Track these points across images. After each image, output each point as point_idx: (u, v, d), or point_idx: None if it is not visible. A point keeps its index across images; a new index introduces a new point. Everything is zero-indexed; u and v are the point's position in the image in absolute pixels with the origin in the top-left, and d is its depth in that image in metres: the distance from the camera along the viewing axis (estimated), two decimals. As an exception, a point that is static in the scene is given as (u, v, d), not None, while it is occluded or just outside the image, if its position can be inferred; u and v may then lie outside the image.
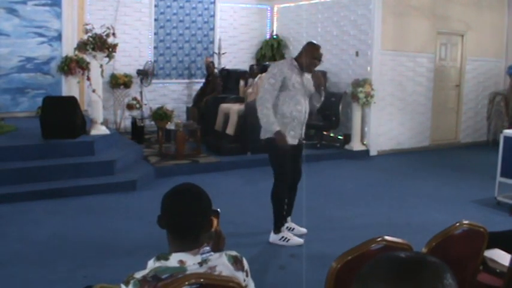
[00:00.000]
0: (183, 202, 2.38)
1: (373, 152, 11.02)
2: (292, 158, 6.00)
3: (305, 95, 5.88)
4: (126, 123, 11.89)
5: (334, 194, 8.17)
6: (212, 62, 12.17)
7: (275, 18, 13.81)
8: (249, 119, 9.93)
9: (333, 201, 7.76)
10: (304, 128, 6.08)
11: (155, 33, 12.64)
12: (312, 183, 8.28)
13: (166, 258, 2.27)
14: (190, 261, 2.27)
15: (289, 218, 6.34)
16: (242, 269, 2.42)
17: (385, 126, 11.16)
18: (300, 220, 6.59)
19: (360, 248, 2.54)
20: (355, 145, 10.88)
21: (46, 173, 7.88)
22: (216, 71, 12.19)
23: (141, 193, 7.93)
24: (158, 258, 2.29)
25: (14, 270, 5.23)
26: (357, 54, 11.19)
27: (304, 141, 6.24)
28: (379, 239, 2.58)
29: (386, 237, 2.60)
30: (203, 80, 12.56)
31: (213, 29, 13.17)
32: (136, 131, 10.96)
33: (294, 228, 6.26)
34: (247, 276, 2.45)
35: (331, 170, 9.66)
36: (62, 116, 8.53)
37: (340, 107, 11.02)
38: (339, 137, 11.37)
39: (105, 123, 9.72)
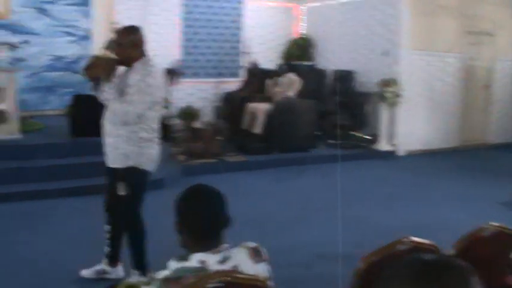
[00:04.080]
0: (199, 203, 2.40)
1: (400, 152, 10.96)
2: (107, 181, 4.87)
3: (107, 102, 4.64)
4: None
5: (361, 194, 8.13)
6: (254, 63, 12.16)
7: (303, 17, 13.77)
8: (277, 118, 9.94)
9: (359, 201, 7.73)
10: (110, 144, 4.67)
11: (183, 33, 12.68)
12: (338, 182, 8.25)
13: (187, 259, 2.28)
14: (211, 260, 2.28)
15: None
16: (263, 258, 2.43)
17: (413, 126, 11.08)
18: (325, 220, 6.58)
19: (386, 248, 2.53)
20: (383, 145, 10.83)
21: (74, 170, 7.94)
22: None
23: (168, 191, 7.92)
24: (178, 259, 2.30)
25: (41, 266, 5.32)
26: (384, 53, 11.12)
27: (117, 167, 4.64)
28: (405, 240, 2.57)
29: (413, 238, 2.58)
30: (232, 79, 12.66)
31: (241, 28, 13.16)
32: (164, 130, 10.98)
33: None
34: (267, 264, 2.45)
35: (357, 170, 9.61)
36: (90, 114, 8.54)
37: (368, 106, 10.98)
38: (367, 137, 11.31)
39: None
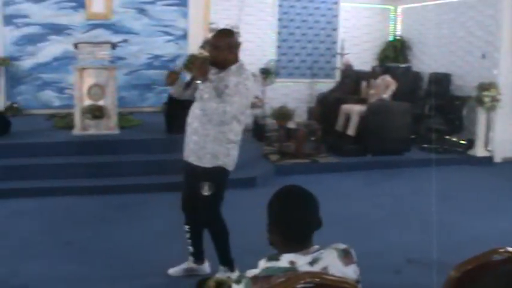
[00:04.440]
0: (293, 205, 2.40)
1: (497, 159, 10.62)
2: (186, 179, 4.95)
3: (200, 101, 4.66)
4: (248, 121, 12.02)
5: (454, 200, 7.94)
6: (349, 64, 12.09)
7: (399, 19, 13.59)
8: (371, 120, 9.85)
9: (453, 207, 7.55)
10: (195, 142, 4.69)
11: (278, 33, 12.75)
12: (432, 187, 8.09)
13: (277, 259, 2.30)
14: (301, 261, 2.28)
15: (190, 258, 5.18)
16: (353, 261, 2.41)
17: (511, 132, 10.71)
18: (416, 224, 6.49)
19: (480, 257, 2.46)
20: (479, 151, 10.53)
21: (169, 166, 8.08)
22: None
23: (260, 190, 8.01)
24: (269, 259, 2.32)
25: (132, 258, 5.52)
26: (483, 56, 10.85)
27: (203, 166, 4.66)
28: (501, 250, 2.49)
29: (509, 249, 2.50)
30: (326, 80, 12.71)
31: (336, 29, 13.12)
32: (258, 129, 11.10)
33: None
34: (356, 266, 2.43)
35: (452, 176, 9.38)
36: (186, 112, 8.75)
37: (464, 110, 10.71)
38: (462, 141, 11.03)
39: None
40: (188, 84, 4.74)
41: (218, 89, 4.49)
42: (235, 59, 4.63)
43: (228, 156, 4.67)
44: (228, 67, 4.58)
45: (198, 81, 4.60)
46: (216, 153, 4.61)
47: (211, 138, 4.58)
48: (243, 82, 4.50)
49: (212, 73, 4.61)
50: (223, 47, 4.57)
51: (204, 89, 4.51)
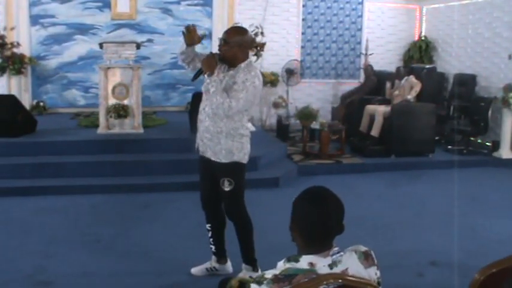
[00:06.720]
0: (319, 208, 2.35)
1: (522, 161, 10.52)
2: (204, 174, 4.94)
3: (207, 95, 4.63)
4: (272, 121, 12.05)
5: (479, 202, 7.88)
6: (370, 66, 12.06)
7: (424, 19, 13.52)
8: (395, 121, 9.81)
9: (477, 210, 7.49)
10: (209, 139, 4.68)
11: (302, 33, 12.74)
12: (456, 189, 8.03)
13: (297, 260, 2.29)
14: (321, 263, 2.28)
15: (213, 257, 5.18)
16: (373, 263, 2.40)
17: (537, 134, 10.59)
18: (439, 226, 6.46)
19: (505, 261, 2.44)
20: (504, 153, 10.41)
21: (193, 166, 8.10)
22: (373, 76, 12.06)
23: (283, 190, 8.02)
24: (288, 260, 2.31)
25: (157, 256, 5.55)
26: (509, 57, 10.76)
27: (220, 161, 4.67)
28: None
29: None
30: (350, 81, 12.74)
31: (360, 29, 13.09)
32: (281, 129, 11.10)
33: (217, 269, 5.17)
34: (377, 269, 2.42)
35: (476, 178, 9.31)
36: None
37: (490, 112, 10.62)
38: (487, 143, 10.95)
39: (251, 120, 9.90)
40: (195, 77, 4.67)
41: (227, 85, 4.48)
42: (245, 58, 4.61)
43: (242, 150, 4.69)
44: (238, 65, 4.57)
45: (205, 75, 4.55)
46: (230, 149, 4.62)
47: (224, 134, 4.60)
48: (251, 79, 4.48)
49: (222, 70, 4.59)
50: (233, 43, 4.53)
51: (210, 83, 4.47)
